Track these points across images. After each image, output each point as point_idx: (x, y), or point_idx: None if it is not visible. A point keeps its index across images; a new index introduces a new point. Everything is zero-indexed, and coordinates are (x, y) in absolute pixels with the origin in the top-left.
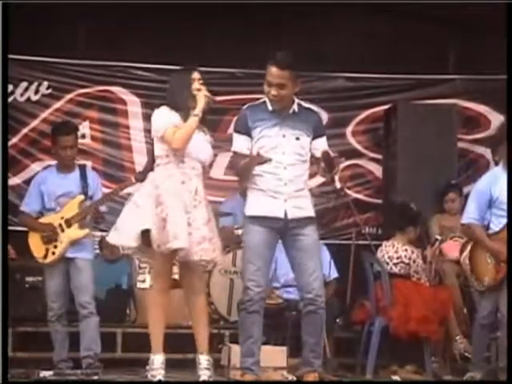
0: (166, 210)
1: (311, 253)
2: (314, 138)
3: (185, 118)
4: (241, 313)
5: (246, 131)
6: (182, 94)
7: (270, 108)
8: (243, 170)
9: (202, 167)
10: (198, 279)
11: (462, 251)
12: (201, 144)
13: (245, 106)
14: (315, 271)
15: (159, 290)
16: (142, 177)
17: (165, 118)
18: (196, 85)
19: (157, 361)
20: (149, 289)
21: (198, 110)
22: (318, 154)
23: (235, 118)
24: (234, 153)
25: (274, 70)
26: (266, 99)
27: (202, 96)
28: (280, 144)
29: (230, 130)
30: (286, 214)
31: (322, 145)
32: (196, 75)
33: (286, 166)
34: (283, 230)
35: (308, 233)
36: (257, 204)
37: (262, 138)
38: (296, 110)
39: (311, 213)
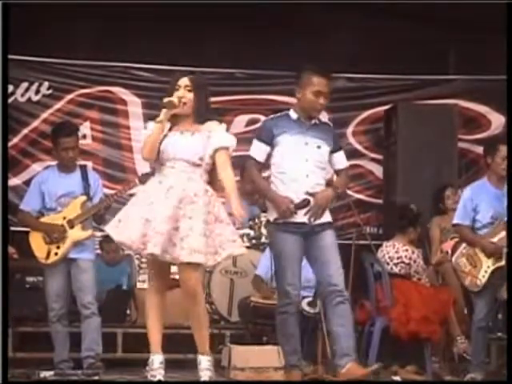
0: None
1: (333, 250)
2: (333, 151)
3: (171, 124)
4: (281, 316)
5: (268, 140)
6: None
7: (293, 117)
8: (260, 190)
9: (193, 165)
10: (192, 280)
11: (453, 251)
12: (180, 144)
13: (269, 117)
14: (338, 267)
15: (154, 289)
16: (145, 179)
17: (146, 130)
18: (181, 92)
19: (156, 361)
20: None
21: (161, 116)
22: (339, 166)
23: (258, 126)
24: (250, 157)
25: (322, 80)
26: (291, 109)
27: (167, 101)
28: (303, 151)
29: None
30: (310, 220)
31: (341, 158)
32: (183, 81)
33: (308, 173)
34: (308, 234)
35: (328, 235)
36: None
37: (285, 144)
38: (317, 122)
39: (330, 218)
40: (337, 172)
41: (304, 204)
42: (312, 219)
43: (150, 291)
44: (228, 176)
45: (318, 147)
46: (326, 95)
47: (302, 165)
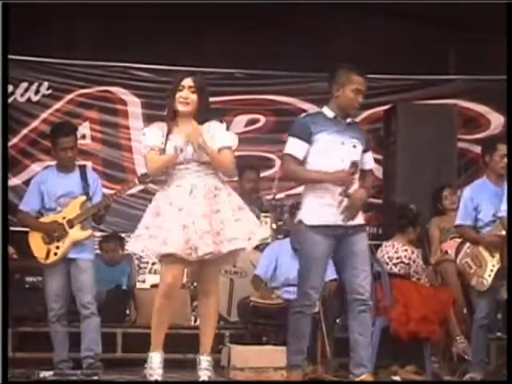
0: (161, 218)
1: (364, 257)
2: (365, 151)
3: (170, 126)
4: (296, 315)
5: (306, 137)
6: (170, 100)
7: (329, 116)
8: (311, 179)
9: (204, 164)
10: (210, 279)
11: (457, 252)
12: (188, 150)
13: (303, 115)
14: (367, 275)
15: (167, 290)
16: (145, 179)
17: (150, 137)
18: (184, 93)
19: (155, 359)
20: (157, 284)
21: (185, 152)
22: (367, 167)
23: (293, 124)
24: (288, 155)
25: (360, 78)
26: (326, 108)
27: (193, 140)
28: (339, 150)
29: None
30: (345, 221)
31: (370, 159)
32: (187, 82)
33: None
34: (341, 236)
35: (361, 238)
36: (317, 213)
37: (322, 143)
38: (352, 121)
39: (362, 220)
40: (363, 172)
41: (353, 170)
42: (347, 220)
43: (163, 292)
44: (226, 159)
45: (354, 147)
46: (363, 94)
47: (338, 164)
